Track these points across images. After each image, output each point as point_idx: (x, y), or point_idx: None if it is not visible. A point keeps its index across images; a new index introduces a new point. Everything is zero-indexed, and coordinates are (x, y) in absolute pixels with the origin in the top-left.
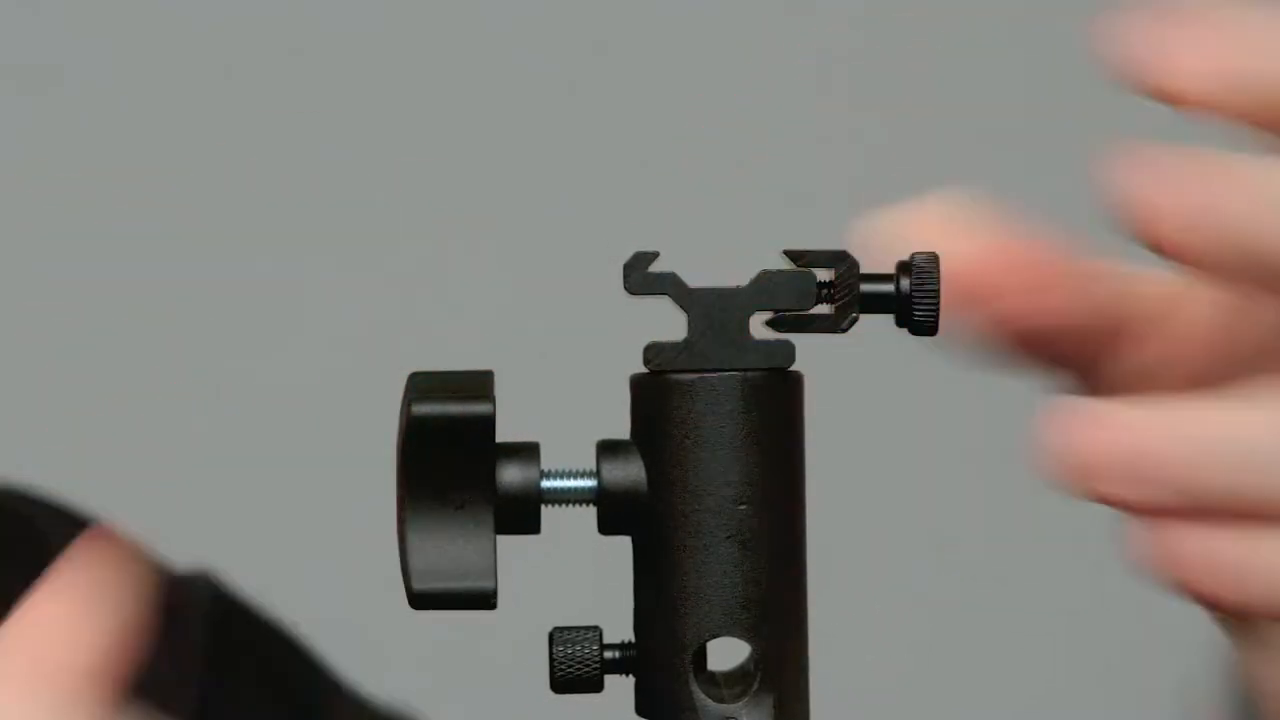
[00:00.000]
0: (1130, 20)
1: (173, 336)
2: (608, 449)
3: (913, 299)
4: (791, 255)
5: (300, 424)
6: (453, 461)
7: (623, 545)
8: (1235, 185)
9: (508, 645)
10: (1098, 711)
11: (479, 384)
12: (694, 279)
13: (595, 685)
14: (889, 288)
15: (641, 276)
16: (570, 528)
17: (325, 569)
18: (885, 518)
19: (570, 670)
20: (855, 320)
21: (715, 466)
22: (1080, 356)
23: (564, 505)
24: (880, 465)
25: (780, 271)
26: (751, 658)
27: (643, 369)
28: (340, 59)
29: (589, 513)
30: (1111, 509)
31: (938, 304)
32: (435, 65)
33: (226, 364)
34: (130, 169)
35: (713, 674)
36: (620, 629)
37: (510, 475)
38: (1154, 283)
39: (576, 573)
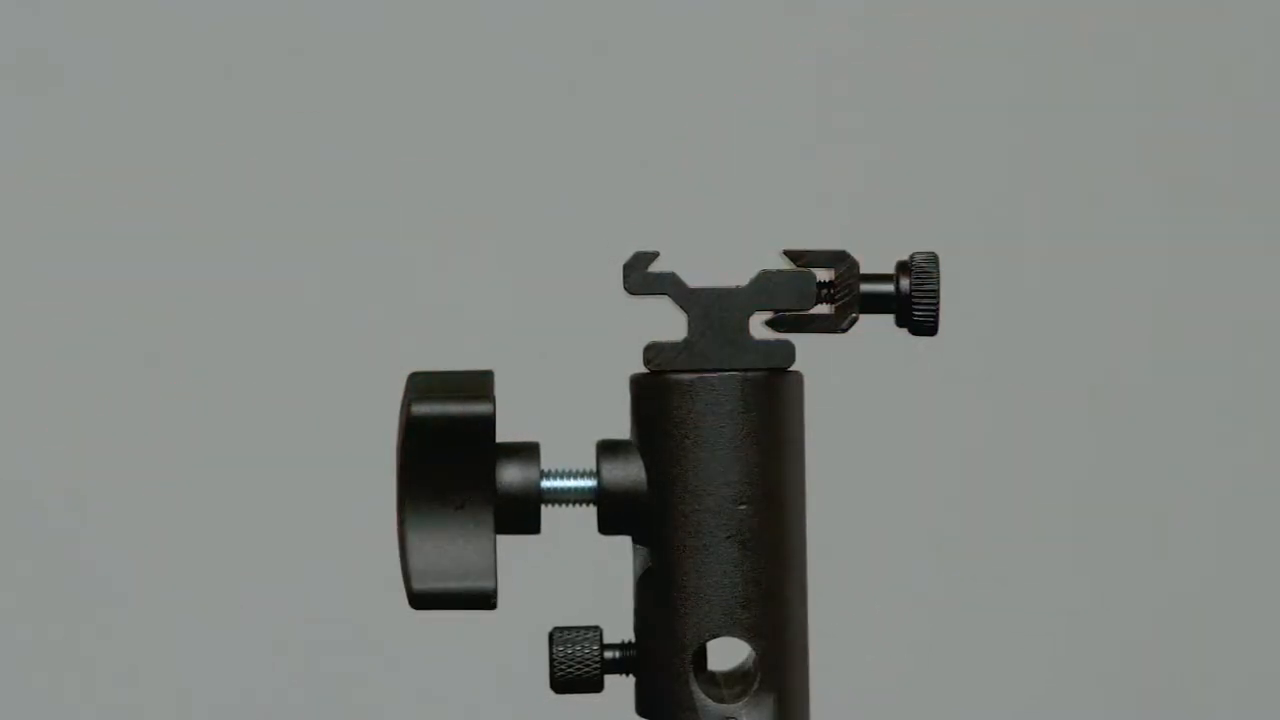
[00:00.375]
0: None
1: (172, 336)
2: (608, 449)
3: (913, 299)
4: (791, 255)
5: (300, 424)
6: (453, 461)
7: (623, 545)
8: None
9: (508, 645)
10: (1097, 711)
11: (479, 384)
12: (694, 279)
13: (595, 685)
14: (889, 288)
15: (641, 276)
16: (570, 528)
17: (325, 569)
18: (885, 517)
19: (570, 670)
20: (855, 320)
21: (715, 466)
22: None
23: (564, 505)
24: (880, 465)
25: (780, 271)
26: (751, 658)
27: (643, 369)
28: (340, 59)
29: (589, 513)
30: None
31: (937, 304)
32: (435, 65)
33: (226, 363)
34: (130, 169)
35: (713, 674)
36: (620, 629)
37: (510, 475)
38: None
39: (576, 573)
